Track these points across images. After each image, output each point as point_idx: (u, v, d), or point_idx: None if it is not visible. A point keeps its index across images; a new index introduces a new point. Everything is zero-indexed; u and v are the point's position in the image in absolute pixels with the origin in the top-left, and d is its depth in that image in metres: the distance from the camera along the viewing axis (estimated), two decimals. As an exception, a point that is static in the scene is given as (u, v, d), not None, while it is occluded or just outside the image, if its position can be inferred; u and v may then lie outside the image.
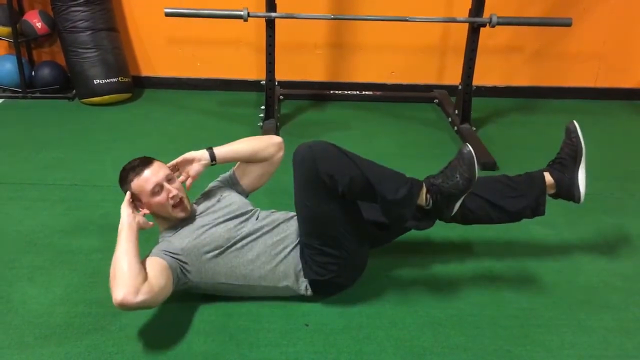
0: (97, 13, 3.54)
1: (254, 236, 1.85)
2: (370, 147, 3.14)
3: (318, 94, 3.90)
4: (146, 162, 1.84)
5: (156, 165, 1.84)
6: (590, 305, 1.95)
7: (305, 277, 1.86)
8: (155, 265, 1.68)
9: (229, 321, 1.82)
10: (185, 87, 3.98)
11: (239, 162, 2.06)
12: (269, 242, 1.86)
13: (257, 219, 1.92)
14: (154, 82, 3.97)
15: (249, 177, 2.06)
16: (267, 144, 2.01)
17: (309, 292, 1.88)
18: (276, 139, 2.04)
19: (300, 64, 3.89)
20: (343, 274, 1.87)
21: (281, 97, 3.77)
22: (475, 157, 1.73)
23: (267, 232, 1.88)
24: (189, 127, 3.41)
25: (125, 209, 1.75)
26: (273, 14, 3.08)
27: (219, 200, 1.97)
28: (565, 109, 3.85)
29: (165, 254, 1.74)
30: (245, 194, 2.07)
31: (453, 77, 3.66)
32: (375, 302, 1.93)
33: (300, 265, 1.85)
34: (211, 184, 2.08)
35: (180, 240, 1.80)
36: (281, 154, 2.03)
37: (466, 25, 3.32)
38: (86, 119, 3.45)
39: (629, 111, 3.87)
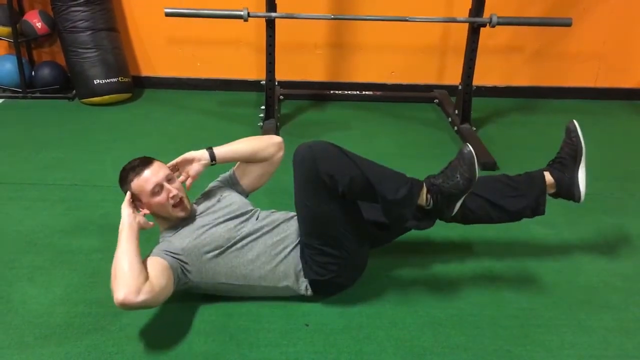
0: (97, 13, 3.54)
1: (254, 236, 1.85)
2: (370, 147, 3.14)
3: (318, 94, 3.90)
4: (146, 162, 1.84)
5: (156, 165, 1.84)
6: (590, 305, 1.95)
7: (305, 277, 1.86)
8: (156, 265, 1.68)
9: (229, 321, 1.82)
10: (185, 87, 3.98)
11: (238, 162, 2.06)
12: (269, 242, 1.86)
13: (257, 219, 1.92)
14: (154, 82, 3.97)
15: (249, 177, 2.06)
16: (267, 143, 2.01)
17: (309, 292, 1.88)
18: (276, 139, 2.04)
19: (300, 64, 3.89)
20: (343, 274, 1.87)
21: (281, 97, 3.77)
22: (475, 157, 1.73)
23: (267, 232, 1.88)
24: (189, 127, 3.41)
25: (126, 209, 1.75)
26: (273, 14, 3.08)
27: (219, 200, 1.97)
28: (565, 109, 3.85)
29: (166, 254, 1.74)
30: (245, 194, 2.07)
31: (453, 77, 3.66)
32: (376, 302, 1.93)
33: (301, 265, 1.85)
34: (211, 184, 2.08)
35: (181, 240, 1.80)
36: (281, 153, 2.03)
37: (466, 25, 3.32)
38: (86, 119, 3.45)
39: (629, 111, 3.87)
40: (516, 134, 3.45)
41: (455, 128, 3.37)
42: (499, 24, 3.06)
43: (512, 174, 2.04)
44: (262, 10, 3.12)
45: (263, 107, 3.34)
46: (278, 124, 3.37)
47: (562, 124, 2.06)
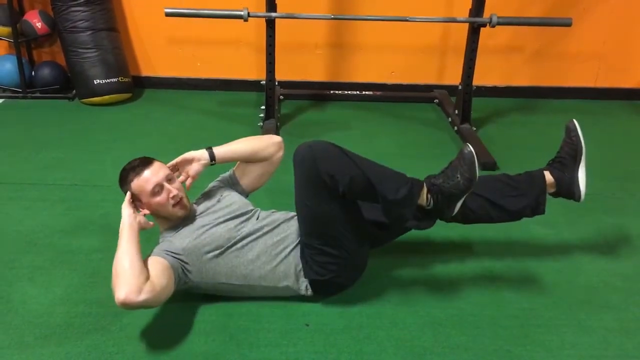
0: (97, 13, 3.54)
1: (254, 236, 1.85)
2: (370, 147, 3.14)
3: (318, 94, 3.90)
4: (146, 162, 1.84)
5: (156, 165, 1.84)
6: (590, 305, 1.95)
7: (305, 277, 1.86)
8: (157, 264, 1.68)
9: (229, 321, 1.82)
10: (185, 87, 3.98)
11: (238, 162, 2.06)
12: (269, 242, 1.86)
13: (257, 219, 1.92)
14: (154, 82, 3.97)
15: (248, 177, 2.06)
16: (266, 143, 2.01)
17: (309, 292, 1.88)
18: (276, 139, 2.04)
19: (300, 64, 3.88)
20: (343, 273, 1.87)
21: (281, 97, 3.77)
22: (476, 157, 1.73)
23: (268, 232, 1.88)
24: (189, 127, 3.41)
25: (126, 209, 1.75)
26: (273, 14, 3.08)
27: (219, 200, 1.97)
28: (565, 109, 3.85)
29: (167, 254, 1.74)
30: (245, 194, 2.07)
31: (453, 77, 3.66)
32: (376, 302, 1.93)
33: (301, 265, 1.85)
34: (211, 184, 2.08)
35: (181, 240, 1.80)
36: (281, 153, 2.03)
37: (466, 25, 3.32)
38: (86, 119, 3.45)
39: (629, 111, 3.87)
40: (516, 134, 3.45)
41: (455, 128, 3.37)
42: (499, 24, 3.06)
43: (512, 173, 2.04)
44: (262, 10, 3.12)
45: (263, 107, 3.34)
46: (278, 124, 3.37)
47: (562, 124, 2.06)
